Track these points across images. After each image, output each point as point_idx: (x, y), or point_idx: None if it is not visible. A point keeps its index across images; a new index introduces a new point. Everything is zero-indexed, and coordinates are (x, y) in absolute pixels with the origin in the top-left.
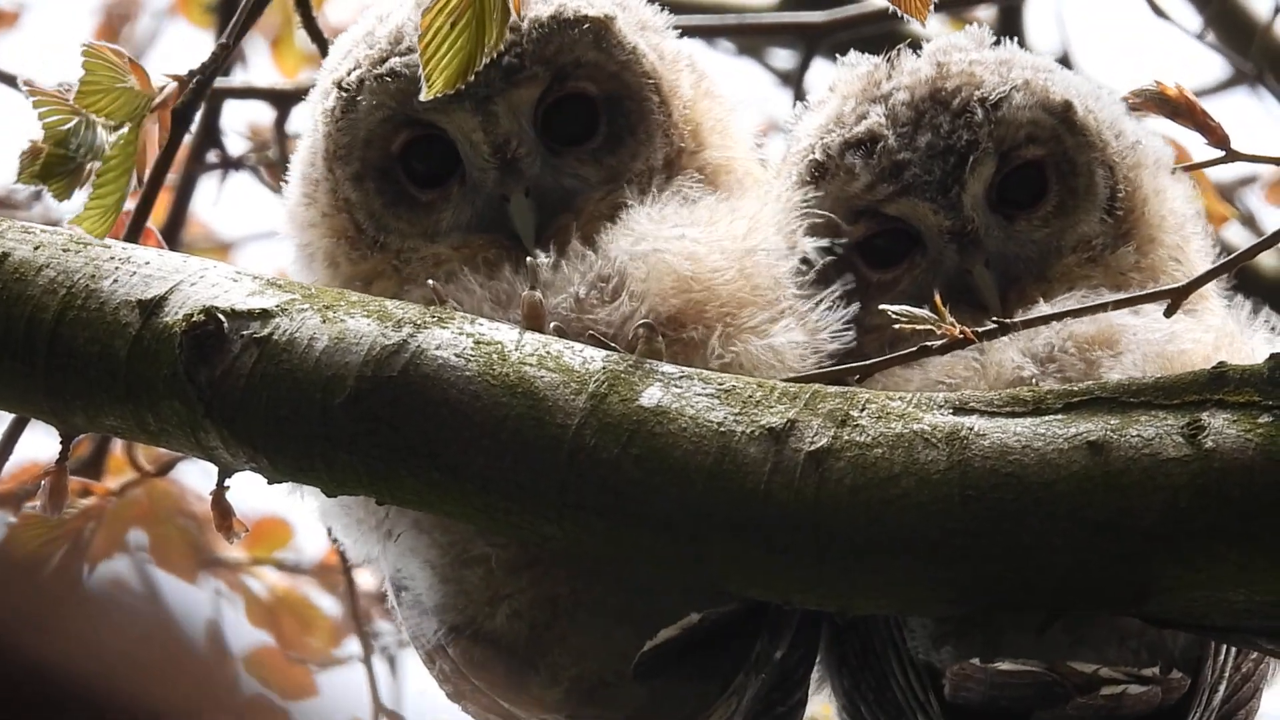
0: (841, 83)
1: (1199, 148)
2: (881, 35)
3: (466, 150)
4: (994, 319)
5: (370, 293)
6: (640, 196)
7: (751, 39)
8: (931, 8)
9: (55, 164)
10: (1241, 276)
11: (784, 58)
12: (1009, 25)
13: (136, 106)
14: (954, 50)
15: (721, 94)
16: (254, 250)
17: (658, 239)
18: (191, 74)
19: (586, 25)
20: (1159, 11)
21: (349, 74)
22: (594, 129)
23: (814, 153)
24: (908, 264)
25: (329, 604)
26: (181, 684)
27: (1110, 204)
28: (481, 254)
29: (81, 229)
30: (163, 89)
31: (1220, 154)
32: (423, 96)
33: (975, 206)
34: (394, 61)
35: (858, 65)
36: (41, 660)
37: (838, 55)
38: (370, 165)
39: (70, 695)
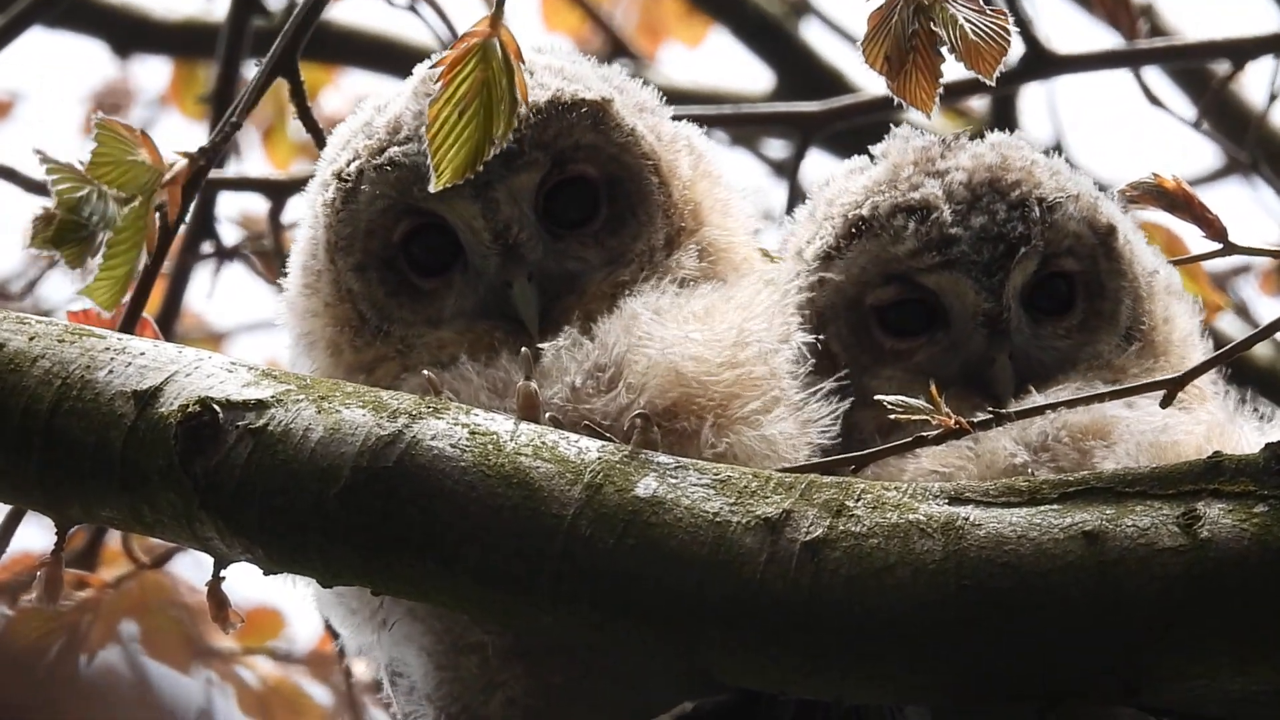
0: (894, 151)
1: (1196, 239)
2: (876, 125)
3: (468, 238)
4: (989, 408)
5: (373, 379)
6: (642, 277)
7: (746, 129)
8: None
9: (68, 231)
10: (1235, 366)
11: (778, 148)
12: (1004, 114)
13: (147, 181)
14: (1013, 147)
15: (720, 174)
16: (247, 341)
17: (656, 336)
18: (202, 150)
19: (585, 109)
20: (1154, 99)
21: (348, 165)
22: (595, 211)
23: (860, 208)
24: (926, 339)
25: (321, 694)
26: None
27: (1130, 330)
28: (485, 340)
29: (91, 299)
30: (173, 165)
31: (1218, 247)
32: (431, 188)
33: (1014, 297)
34: (393, 151)
35: (911, 138)
36: None
37: (832, 145)
38: (372, 255)
39: None
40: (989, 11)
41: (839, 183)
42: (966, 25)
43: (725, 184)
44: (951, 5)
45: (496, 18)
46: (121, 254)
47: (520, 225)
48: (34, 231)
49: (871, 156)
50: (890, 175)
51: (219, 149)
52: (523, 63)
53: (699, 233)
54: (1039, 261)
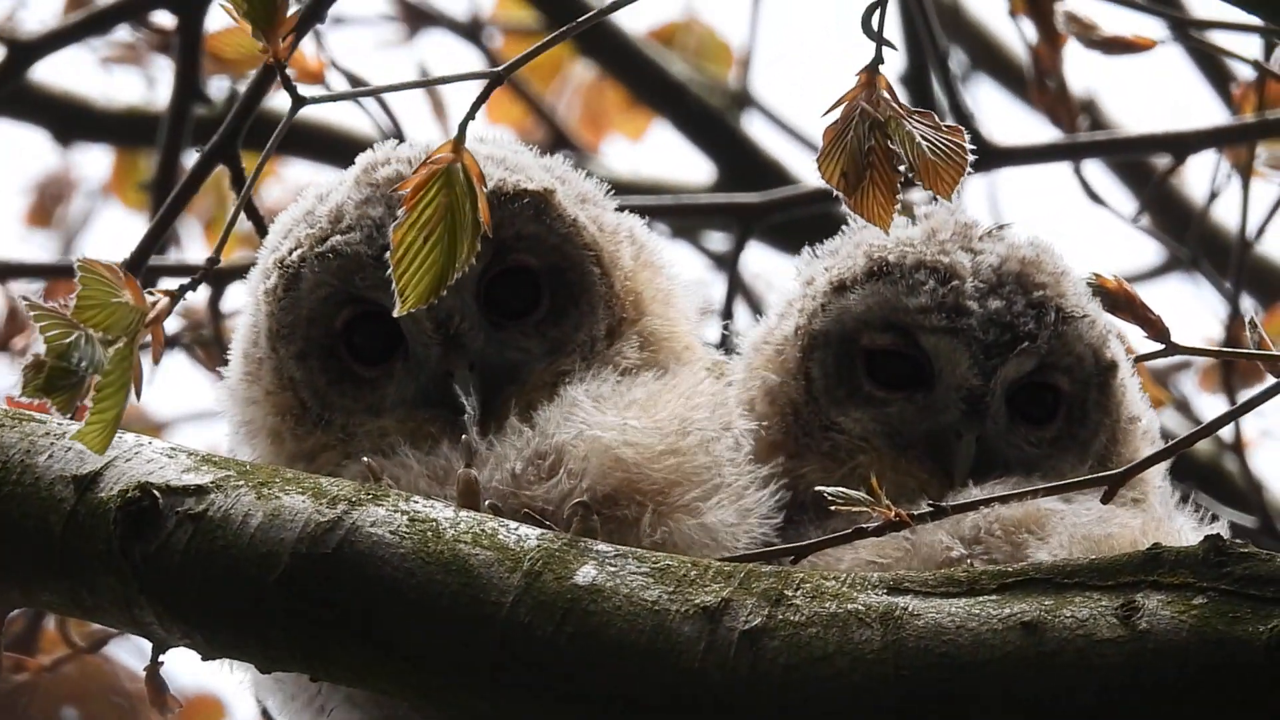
0: (935, 217)
1: (1137, 337)
2: (816, 217)
3: (409, 327)
4: (928, 502)
5: (314, 467)
6: (583, 366)
7: (687, 220)
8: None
9: (58, 377)
10: (1177, 462)
11: (719, 240)
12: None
13: (131, 321)
14: (1051, 254)
15: (662, 264)
16: (188, 431)
17: (596, 422)
18: (182, 288)
19: (527, 199)
20: (1094, 196)
21: (290, 253)
22: (536, 302)
23: (886, 253)
24: (905, 395)
25: None
26: None
27: (1099, 455)
28: (426, 428)
29: (81, 444)
30: (155, 303)
31: (1160, 347)
32: (396, 313)
33: (1001, 384)
34: (335, 240)
35: (957, 213)
36: None
37: (772, 237)
38: (313, 343)
39: None
40: (945, 128)
41: (872, 229)
42: (924, 143)
43: (667, 274)
44: (908, 122)
45: (459, 142)
46: (110, 396)
47: (462, 315)
48: (25, 379)
49: (912, 217)
50: (927, 235)
51: (195, 286)
52: (484, 186)
53: (640, 322)
54: (1036, 364)
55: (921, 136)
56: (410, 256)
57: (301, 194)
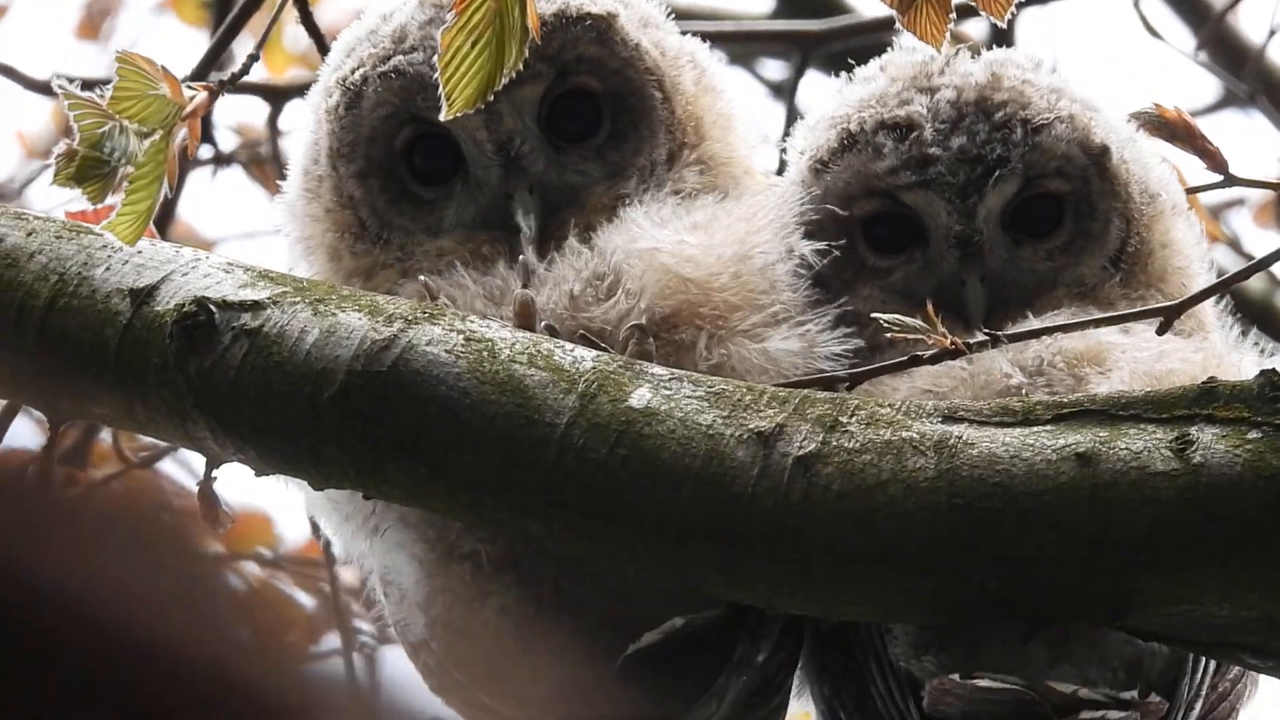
0: (893, 65)
1: (1194, 170)
2: (876, 46)
3: (470, 148)
4: (985, 330)
5: (371, 285)
6: (643, 191)
7: (745, 46)
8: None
9: (90, 167)
10: (1230, 299)
11: (776, 69)
12: (1000, 39)
13: (168, 114)
14: (1010, 64)
15: (723, 90)
16: (237, 249)
17: (655, 239)
18: (221, 83)
19: (589, 22)
20: (1152, 31)
21: (353, 72)
22: (597, 125)
23: (848, 123)
24: (906, 256)
25: (306, 600)
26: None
27: (1118, 254)
28: (484, 249)
29: (112, 234)
30: (193, 98)
31: (1219, 179)
32: (442, 116)
33: (988, 220)
34: (398, 60)
35: (914, 52)
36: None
37: (831, 67)
38: (374, 162)
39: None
40: None
41: (841, 94)
42: None
43: (728, 99)
44: None
45: None
46: (143, 188)
47: (523, 137)
48: (57, 169)
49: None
50: (884, 90)
51: (236, 80)
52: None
53: (700, 147)
54: (1020, 184)
55: None
56: (457, 61)
57: (363, 13)
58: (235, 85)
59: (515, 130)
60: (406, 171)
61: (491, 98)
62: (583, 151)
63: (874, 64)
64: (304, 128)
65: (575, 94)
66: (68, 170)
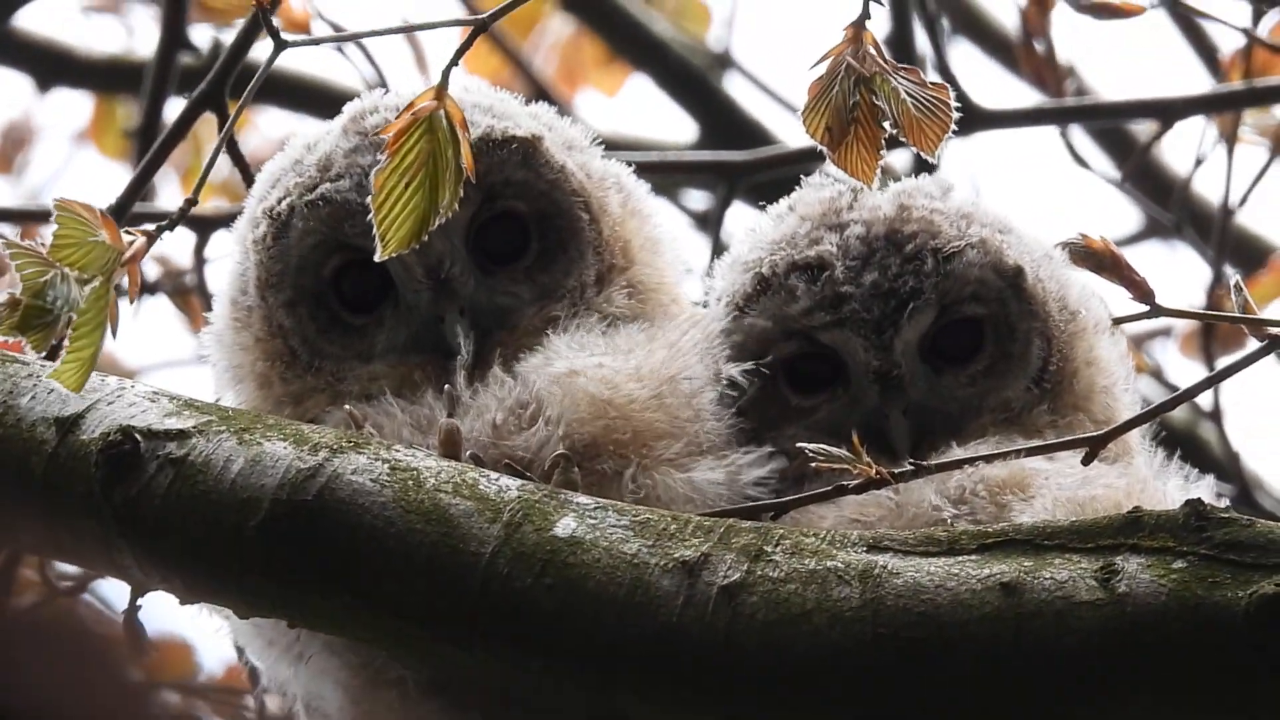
0: (802, 203)
1: (1120, 300)
2: (800, 176)
3: (400, 273)
4: (910, 461)
5: (301, 410)
6: (572, 313)
7: (670, 177)
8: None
9: (33, 316)
10: (1155, 428)
11: (699, 200)
12: (924, 169)
13: (108, 260)
14: (918, 194)
15: (650, 214)
16: (160, 378)
17: (572, 363)
18: (160, 227)
19: (515, 145)
20: (1078, 159)
21: (279, 202)
22: (525, 247)
23: (761, 266)
24: (829, 394)
25: None
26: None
27: (1041, 374)
28: (415, 375)
29: (58, 383)
30: (131, 243)
31: (1145, 309)
32: (377, 258)
33: (906, 353)
34: (324, 188)
35: (822, 188)
36: None
37: (757, 197)
38: (303, 291)
39: None
40: (929, 85)
41: (755, 234)
42: (908, 100)
43: (655, 224)
44: (893, 77)
45: (442, 89)
46: (86, 335)
47: (452, 260)
48: (0, 318)
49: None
50: (794, 230)
51: (174, 225)
52: (469, 132)
53: (629, 270)
54: (935, 313)
55: (907, 92)
56: (391, 201)
57: (287, 143)
58: (155, 217)
59: (444, 253)
60: (336, 299)
61: (431, 238)
62: (512, 273)
63: (784, 202)
64: (229, 257)
65: (503, 216)
66: (11, 319)
